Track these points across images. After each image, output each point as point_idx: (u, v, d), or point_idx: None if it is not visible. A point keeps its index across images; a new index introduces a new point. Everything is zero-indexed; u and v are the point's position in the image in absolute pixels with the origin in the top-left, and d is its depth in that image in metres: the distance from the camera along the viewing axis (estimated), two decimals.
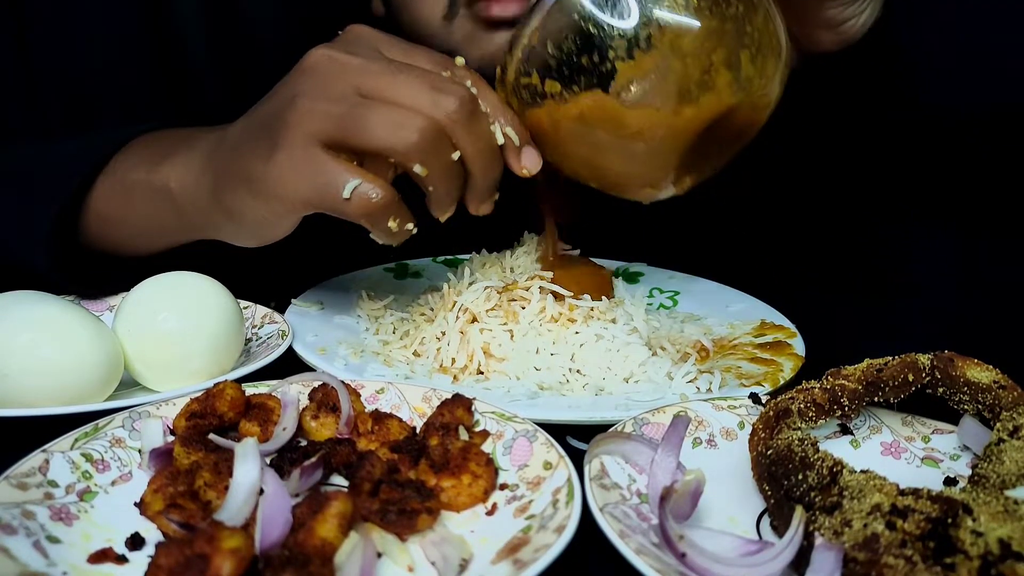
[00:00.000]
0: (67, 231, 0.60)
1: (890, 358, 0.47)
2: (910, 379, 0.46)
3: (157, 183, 0.57)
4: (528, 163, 0.55)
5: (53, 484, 0.39)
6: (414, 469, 0.42)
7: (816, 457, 0.38)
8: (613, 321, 0.60)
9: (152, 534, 0.37)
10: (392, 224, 0.52)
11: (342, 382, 0.47)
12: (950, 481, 0.44)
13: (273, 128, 0.51)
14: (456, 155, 0.51)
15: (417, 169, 0.50)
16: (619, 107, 0.50)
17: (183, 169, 0.57)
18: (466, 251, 0.76)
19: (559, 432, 0.46)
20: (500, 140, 0.54)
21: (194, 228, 0.59)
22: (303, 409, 0.47)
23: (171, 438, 0.44)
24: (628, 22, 0.48)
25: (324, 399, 0.47)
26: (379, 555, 0.36)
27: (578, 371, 0.57)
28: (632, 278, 0.79)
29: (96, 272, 0.63)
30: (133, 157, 0.60)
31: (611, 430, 0.44)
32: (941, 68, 0.66)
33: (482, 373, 0.57)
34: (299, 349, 0.57)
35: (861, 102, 0.73)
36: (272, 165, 0.51)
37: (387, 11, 0.72)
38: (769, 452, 0.41)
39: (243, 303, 0.61)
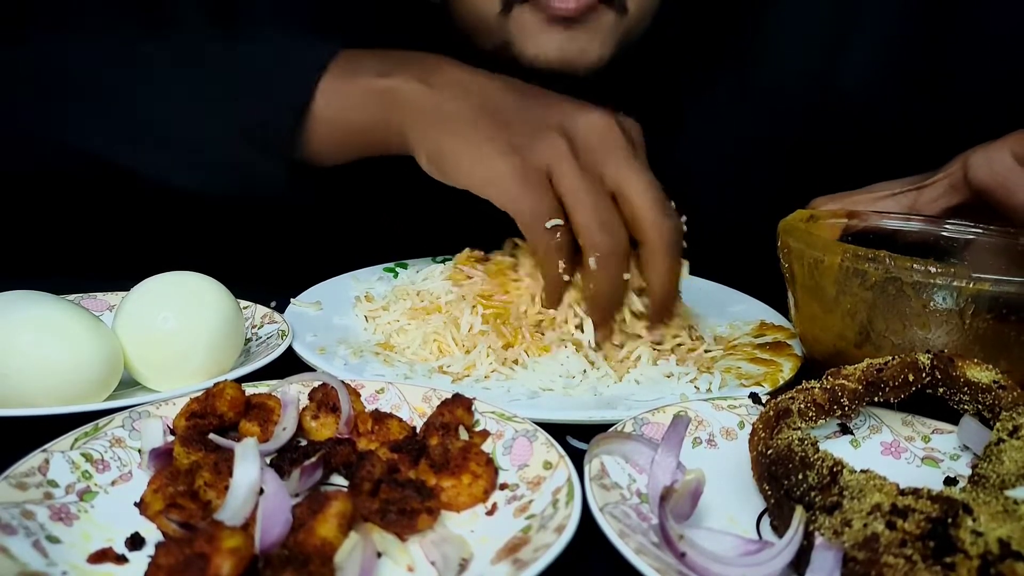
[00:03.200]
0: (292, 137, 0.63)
1: (890, 358, 0.47)
2: (910, 379, 0.46)
3: (387, 86, 0.61)
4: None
5: (53, 484, 0.39)
6: (414, 469, 0.42)
7: (816, 457, 0.38)
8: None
9: (152, 534, 0.37)
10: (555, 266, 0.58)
11: (342, 382, 0.47)
12: (950, 481, 0.44)
13: (528, 127, 0.57)
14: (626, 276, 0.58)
15: (591, 263, 0.56)
16: None
17: (416, 79, 0.60)
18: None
19: (559, 432, 0.46)
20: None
21: (401, 138, 0.61)
22: (303, 409, 0.47)
23: (171, 438, 0.44)
24: None
25: (324, 399, 0.47)
26: (379, 555, 0.36)
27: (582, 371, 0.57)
28: None
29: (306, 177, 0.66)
30: (355, 64, 0.63)
31: (611, 430, 0.44)
32: None
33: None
34: (299, 349, 0.57)
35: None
36: (506, 153, 0.56)
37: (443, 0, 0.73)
38: (769, 452, 0.41)
39: (243, 303, 0.61)
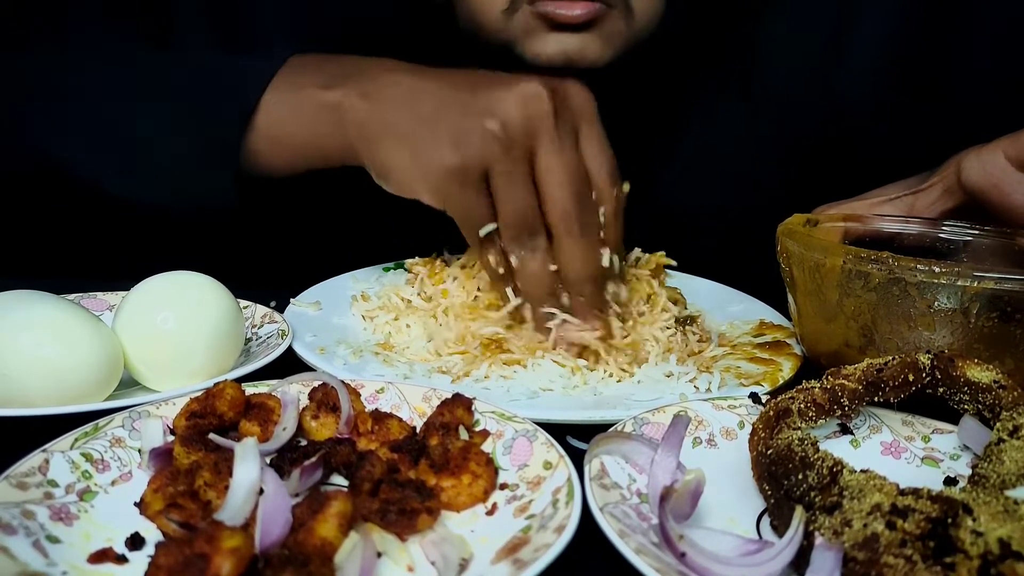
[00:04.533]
0: (237, 150, 0.62)
1: (890, 358, 0.47)
2: (910, 379, 0.46)
3: (329, 100, 0.60)
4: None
5: (53, 484, 0.39)
6: (414, 469, 0.42)
7: (816, 457, 0.38)
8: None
9: (152, 534, 0.37)
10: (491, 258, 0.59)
11: (342, 382, 0.47)
12: (950, 481, 0.44)
13: (455, 127, 0.56)
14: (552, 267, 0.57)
15: (513, 260, 0.57)
16: None
17: (357, 94, 0.59)
18: (463, 251, 0.76)
19: (559, 432, 0.46)
20: (606, 263, 0.58)
21: (349, 151, 0.61)
22: (303, 409, 0.47)
23: (171, 438, 0.44)
24: None
25: (324, 399, 0.47)
26: (379, 555, 0.36)
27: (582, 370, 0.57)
28: None
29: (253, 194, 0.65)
30: (299, 76, 0.62)
31: (611, 430, 0.44)
32: None
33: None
34: (299, 349, 0.57)
35: None
36: (436, 160, 0.56)
37: None
38: (769, 452, 0.40)
39: (243, 303, 0.61)
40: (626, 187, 0.60)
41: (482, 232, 0.57)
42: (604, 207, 0.58)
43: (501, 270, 0.59)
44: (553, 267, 0.58)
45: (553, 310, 0.58)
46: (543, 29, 0.66)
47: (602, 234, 0.58)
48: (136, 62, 0.66)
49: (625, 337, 0.60)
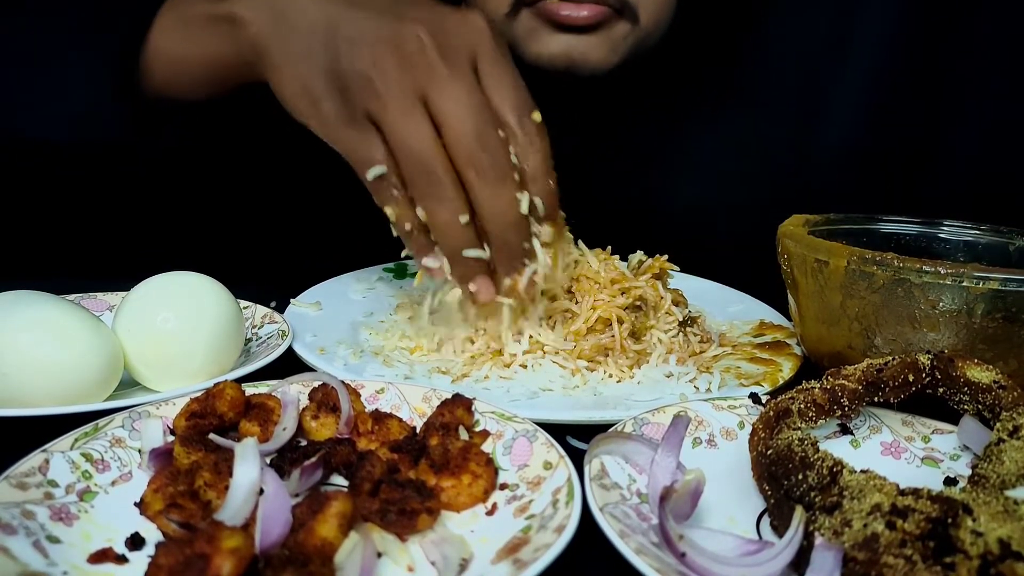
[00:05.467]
0: (130, 74, 0.59)
1: (890, 358, 0.47)
2: (910, 379, 0.46)
3: (222, 12, 0.57)
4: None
5: (53, 484, 0.39)
6: (414, 469, 0.42)
7: (816, 457, 0.38)
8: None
9: (152, 534, 0.37)
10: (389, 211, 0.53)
11: (342, 382, 0.47)
12: (950, 481, 0.44)
13: (344, 62, 0.51)
14: (464, 218, 0.51)
15: (419, 213, 0.52)
16: None
17: (255, 7, 0.55)
18: None
19: (559, 432, 0.46)
20: (524, 209, 0.52)
21: (247, 66, 0.57)
22: (303, 409, 0.47)
23: (171, 438, 0.44)
24: None
25: (324, 399, 0.47)
26: (379, 555, 0.36)
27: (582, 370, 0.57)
28: None
29: (153, 119, 0.62)
30: None
31: (611, 430, 0.44)
32: None
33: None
34: (299, 349, 0.57)
35: None
36: (318, 89, 0.51)
37: None
38: (769, 452, 0.40)
39: (243, 303, 0.61)
40: (536, 116, 0.53)
41: (370, 174, 0.52)
42: (517, 145, 0.52)
43: (408, 225, 0.53)
44: (464, 218, 0.51)
45: (474, 254, 0.53)
46: (546, 30, 0.66)
47: (517, 176, 0.52)
48: None
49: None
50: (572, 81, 0.71)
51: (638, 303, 0.61)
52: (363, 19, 0.52)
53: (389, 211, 0.53)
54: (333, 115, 0.52)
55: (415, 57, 0.50)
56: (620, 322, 0.59)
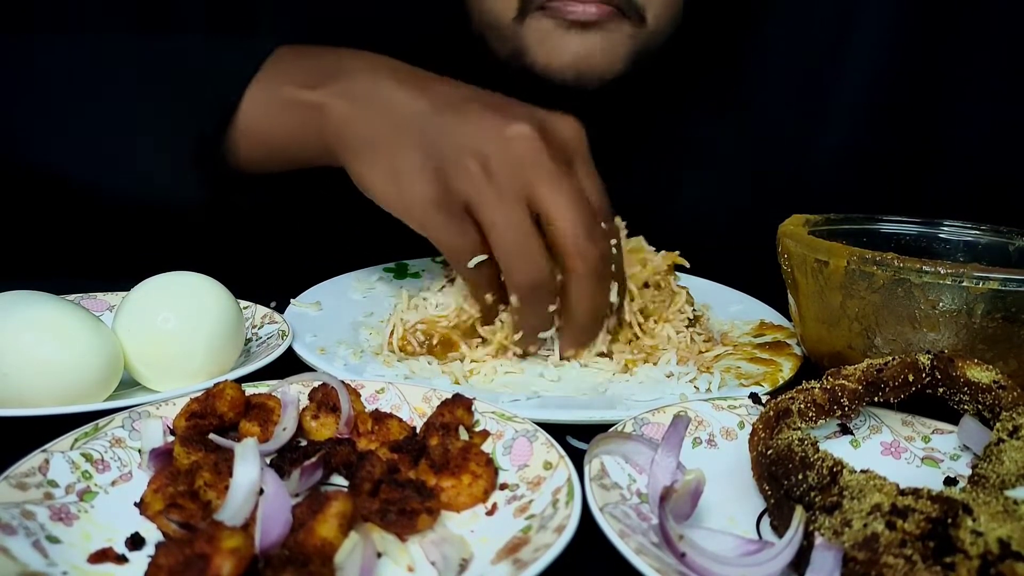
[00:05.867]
0: (215, 146, 0.60)
1: (890, 358, 0.47)
2: (910, 379, 0.46)
3: (310, 100, 0.58)
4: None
5: (53, 484, 0.39)
6: (414, 469, 0.42)
7: (816, 457, 0.38)
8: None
9: (152, 534, 0.37)
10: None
11: (342, 382, 0.47)
12: (950, 481, 0.44)
13: (437, 157, 0.53)
14: (553, 307, 0.55)
15: (513, 300, 0.55)
16: None
17: (338, 95, 0.57)
18: None
19: (559, 432, 0.46)
20: (613, 298, 0.56)
21: (328, 154, 0.58)
22: (303, 409, 0.47)
23: (171, 438, 0.44)
24: None
25: (324, 399, 0.47)
26: (379, 555, 0.36)
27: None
28: None
29: (233, 189, 0.64)
30: (281, 71, 0.60)
31: (611, 430, 0.44)
32: None
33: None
34: (299, 349, 0.57)
35: None
36: (415, 189, 0.53)
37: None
38: (769, 452, 0.41)
39: (243, 303, 0.61)
40: (619, 222, 0.58)
41: (471, 263, 0.54)
42: (612, 239, 0.55)
43: (491, 300, 0.56)
44: (553, 307, 0.55)
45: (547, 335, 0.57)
46: (555, 32, 0.66)
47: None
48: (113, 43, 0.64)
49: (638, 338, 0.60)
50: (580, 93, 0.70)
51: (654, 281, 0.61)
52: (469, 114, 0.54)
53: (479, 293, 0.57)
54: (427, 200, 0.53)
55: (527, 156, 0.52)
56: (631, 299, 0.59)
